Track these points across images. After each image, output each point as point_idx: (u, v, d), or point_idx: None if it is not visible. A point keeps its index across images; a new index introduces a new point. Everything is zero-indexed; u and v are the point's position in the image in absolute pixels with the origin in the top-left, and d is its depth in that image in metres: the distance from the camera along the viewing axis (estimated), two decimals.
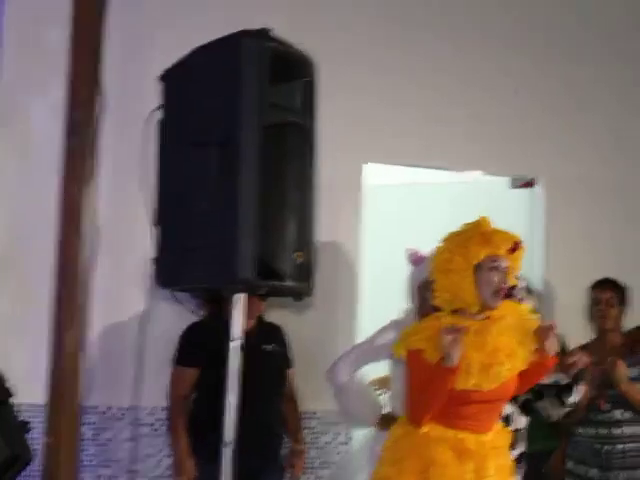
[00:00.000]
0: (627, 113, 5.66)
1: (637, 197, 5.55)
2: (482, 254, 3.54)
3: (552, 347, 3.59)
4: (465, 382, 3.41)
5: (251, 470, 3.93)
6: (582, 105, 5.56)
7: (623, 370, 4.30)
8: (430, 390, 3.46)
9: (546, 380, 3.96)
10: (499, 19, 5.31)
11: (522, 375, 3.60)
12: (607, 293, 4.44)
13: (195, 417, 4.19)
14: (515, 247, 3.60)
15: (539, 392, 4.10)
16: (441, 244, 3.64)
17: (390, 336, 4.09)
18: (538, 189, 5.45)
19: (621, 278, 4.61)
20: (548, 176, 5.40)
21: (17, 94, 4.20)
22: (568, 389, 3.88)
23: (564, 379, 4.02)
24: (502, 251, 3.58)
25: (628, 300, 4.46)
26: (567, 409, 4.07)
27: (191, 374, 4.18)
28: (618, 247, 5.34)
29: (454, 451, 3.51)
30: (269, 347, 4.29)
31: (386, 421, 4.05)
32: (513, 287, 3.98)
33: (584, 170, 5.50)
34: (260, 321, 4.27)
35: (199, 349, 4.15)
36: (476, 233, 3.60)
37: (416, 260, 4.36)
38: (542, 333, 3.61)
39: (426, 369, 3.48)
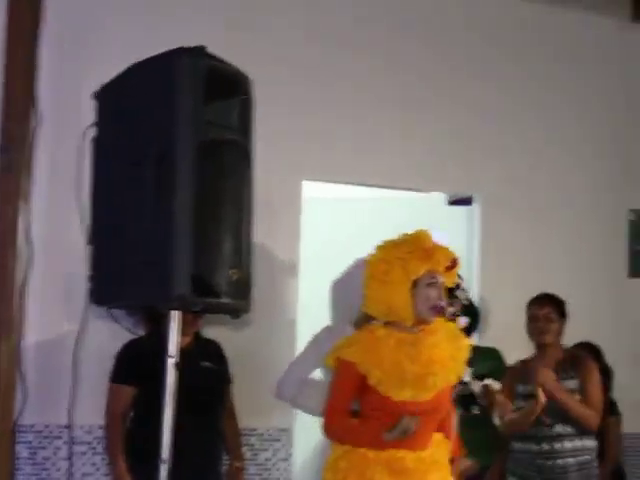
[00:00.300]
0: (554, 137, 5.89)
1: (572, 214, 5.68)
2: (422, 270, 3.61)
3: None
4: (401, 393, 3.47)
5: None
6: (520, 123, 5.72)
7: (548, 374, 4.40)
8: (365, 435, 3.60)
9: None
10: (431, 40, 5.41)
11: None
12: (545, 309, 4.56)
13: (132, 435, 4.19)
14: (453, 264, 3.70)
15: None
16: (377, 253, 3.70)
17: (324, 343, 4.17)
18: (475, 206, 5.49)
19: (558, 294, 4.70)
20: (485, 193, 5.48)
21: None
22: (475, 400, 4.27)
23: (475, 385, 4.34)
24: (441, 268, 3.67)
25: (567, 314, 4.54)
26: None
27: (128, 392, 4.18)
28: (554, 263, 5.49)
29: (393, 471, 3.57)
30: (207, 364, 4.31)
31: None
32: (457, 286, 4.23)
33: (521, 188, 5.61)
34: (197, 338, 4.30)
35: (136, 367, 4.15)
36: (418, 248, 3.67)
37: None
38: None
39: (356, 381, 3.59)
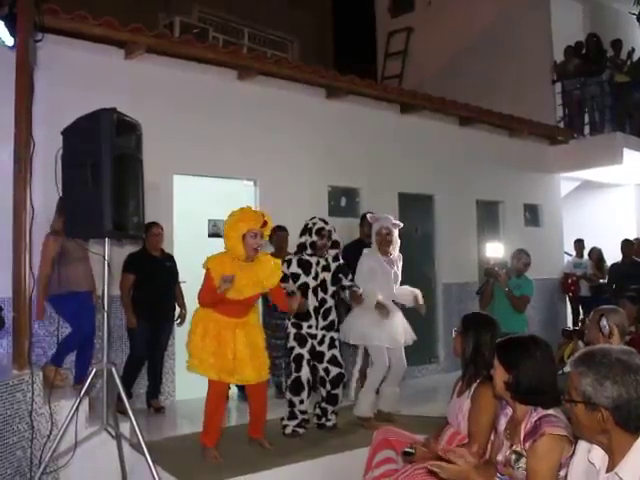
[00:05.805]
0: (296, 149, 6.20)
1: (302, 191, 6.16)
2: (245, 229, 3.94)
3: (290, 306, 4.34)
4: (233, 294, 4.00)
5: (159, 320, 5.25)
6: (281, 139, 6.12)
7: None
8: (213, 297, 3.89)
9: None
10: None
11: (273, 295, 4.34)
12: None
13: (135, 299, 5.36)
14: (264, 223, 4.04)
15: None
16: (226, 223, 3.98)
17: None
18: (259, 186, 6.15)
19: None
20: (264, 178, 5.94)
21: None
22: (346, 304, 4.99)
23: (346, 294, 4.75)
24: (257, 226, 3.97)
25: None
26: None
27: (130, 277, 5.35)
28: (300, 218, 5.41)
29: (227, 325, 4.04)
30: (169, 263, 5.49)
31: None
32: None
33: (284, 176, 6.10)
34: (162, 251, 5.24)
35: (134, 265, 5.28)
36: (242, 217, 3.95)
37: (372, 219, 4.80)
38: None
39: (210, 280, 3.93)
